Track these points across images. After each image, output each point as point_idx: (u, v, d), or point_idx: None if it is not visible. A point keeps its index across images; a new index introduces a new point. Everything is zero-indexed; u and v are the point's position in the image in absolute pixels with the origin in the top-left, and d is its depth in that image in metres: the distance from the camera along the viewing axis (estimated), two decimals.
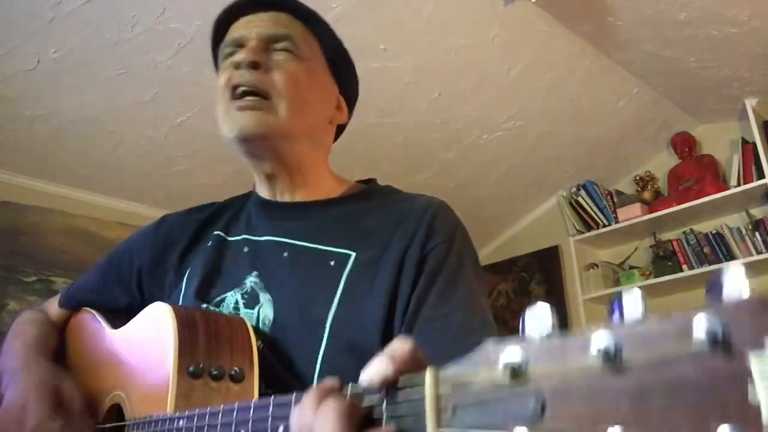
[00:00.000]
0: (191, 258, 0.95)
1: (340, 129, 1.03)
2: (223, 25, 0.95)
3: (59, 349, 1.03)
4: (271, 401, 0.53)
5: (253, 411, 0.55)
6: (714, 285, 0.29)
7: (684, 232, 3.36)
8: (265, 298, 0.85)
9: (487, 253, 4.10)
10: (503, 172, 3.43)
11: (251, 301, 0.85)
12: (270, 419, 0.52)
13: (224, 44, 0.92)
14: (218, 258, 0.92)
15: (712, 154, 3.42)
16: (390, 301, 0.78)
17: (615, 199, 3.62)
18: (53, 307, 1.10)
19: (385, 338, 0.75)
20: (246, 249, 0.91)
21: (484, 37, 2.51)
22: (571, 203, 3.69)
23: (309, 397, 0.45)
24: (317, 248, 0.85)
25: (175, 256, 0.97)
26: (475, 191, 3.55)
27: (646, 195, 3.54)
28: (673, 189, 3.46)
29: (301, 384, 0.75)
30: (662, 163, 3.61)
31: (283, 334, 0.80)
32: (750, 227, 3.15)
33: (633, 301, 0.31)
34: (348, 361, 0.74)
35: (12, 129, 2.38)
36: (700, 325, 0.28)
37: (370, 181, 1.00)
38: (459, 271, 0.81)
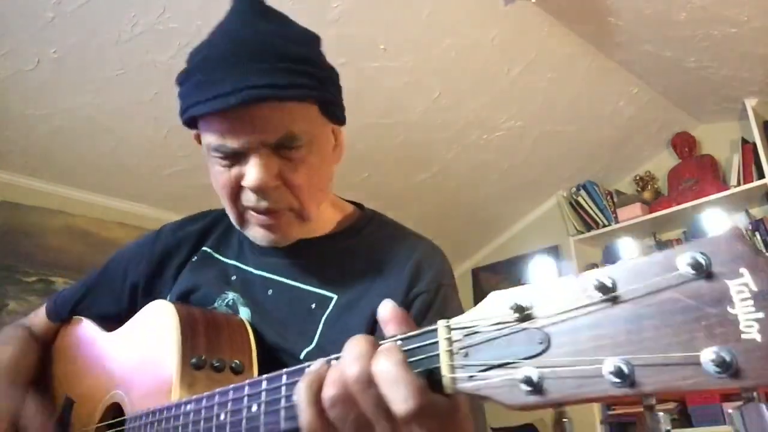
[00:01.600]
0: (183, 272, 0.98)
1: None
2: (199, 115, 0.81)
3: (42, 362, 1.04)
4: (284, 373, 0.54)
5: (266, 383, 0.56)
6: (695, 226, 0.32)
7: (684, 232, 3.36)
8: (244, 312, 0.87)
9: (487, 253, 4.10)
10: (503, 172, 3.43)
11: (234, 311, 0.88)
12: (283, 388, 0.53)
13: (216, 147, 0.80)
14: (201, 272, 0.95)
15: (712, 154, 3.42)
16: None
17: (615, 199, 3.62)
18: (39, 318, 1.11)
19: None
20: (234, 277, 0.93)
21: (484, 37, 2.51)
22: (571, 203, 3.69)
23: (363, 346, 0.46)
24: (301, 288, 0.87)
25: (172, 270, 0.99)
26: (475, 191, 3.55)
27: (646, 195, 3.54)
28: (673, 189, 3.46)
29: None
30: (662, 163, 3.61)
31: (264, 346, 0.82)
32: (750, 227, 3.15)
33: (625, 245, 0.35)
34: None
35: (12, 129, 2.38)
36: (685, 257, 0.32)
37: (360, 206, 1.00)
38: (444, 313, 0.81)
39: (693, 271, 0.31)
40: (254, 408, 0.57)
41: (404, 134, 2.93)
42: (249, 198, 0.81)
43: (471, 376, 0.40)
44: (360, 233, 0.93)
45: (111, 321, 1.00)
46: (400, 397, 0.41)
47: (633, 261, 0.34)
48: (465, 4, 2.35)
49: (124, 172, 2.75)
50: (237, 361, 0.76)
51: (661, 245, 3.44)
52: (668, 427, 0.35)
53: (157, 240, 1.03)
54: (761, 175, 3.04)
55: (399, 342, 0.45)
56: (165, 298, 0.94)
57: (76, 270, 2.70)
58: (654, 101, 3.18)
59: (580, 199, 3.64)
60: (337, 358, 0.48)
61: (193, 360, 0.74)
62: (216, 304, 0.90)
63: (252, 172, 0.77)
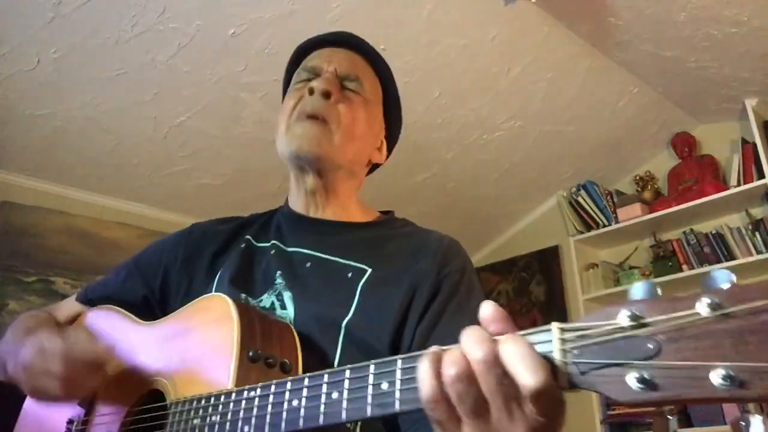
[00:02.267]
0: (222, 260, 1.01)
1: (374, 167, 1.13)
2: (302, 51, 1.07)
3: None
4: (371, 363, 0.57)
5: (350, 372, 0.58)
6: None
7: (684, 232, 3.36)
8: (287, 296, 0.91)
9: (487, 253, 4.11)
10: (503, 172, 3.43)
11: (282, 303, 0.91)
12: (371, 377, 0.56)
13: (301, 68, 1.03)
14: (249, 261, 0.99)
15: (712, 154, 3.42)
16: (402, 315, 0.85)
17: (615, 199, 3.62)
18: (61, 308, 1.11)
19: (394, 343, 0.83)
20: (273, 252, 0.98)
21: (484, 37, 2.51)
22: (571, 203, 3.69)
23: (483, 332, 0.49)
24: (338, 261, 0.94)
25: (207, 259, 1.02)
26: (475, 191, 3.55)
27: (646, 195, 3.54)
28: (673, 189, 3.46)
29: None
30: (662, 163, 3.61)
31: (305, 331, 0.85)
32: (750, 227, 3.15)
33: (724, 275, 0.41)
34: (361, 360, 0.78)
35: (12, 129, 2.39)
36: None
37: (389, 212, 1.10)
38: (471, 295, 0.89)
39: None
40: (335, 395, 0.58)
41: (404, 134, 2.93)
42: (306, 101, 0.96)
43: (583, 372, 0.44)
44: (391, 226, 1.04)
45: (138, 309, 1.00)
46: (529, 370, 0.45)
47: (738, 285, 0.40)
48: (465, 4, 2.35)
49: (124, 172, 2.75)
50: (286, 360, 0.79)
51: (661, 245, 3.44)
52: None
53: (193, 230, 1.08)
54: (761, 175, 3.04)
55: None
56: (203, 284, 0.97)
57: (76, 270, 2.70)
58: (654, 101, 3.18)
59: (580, 199, 3.65)
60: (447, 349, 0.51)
61: (251, 353, 0.76)
62: (264, 296, 0.92)
63: (318, 80, 0.97)
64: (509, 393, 0.47)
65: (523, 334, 0.49)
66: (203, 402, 0.74)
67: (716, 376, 0.38)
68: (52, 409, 0.98)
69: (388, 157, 1.16)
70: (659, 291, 0.44)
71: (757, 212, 3.24)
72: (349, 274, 0.90)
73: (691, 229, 3.34)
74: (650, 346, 0.41)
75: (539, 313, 3.76)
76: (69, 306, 1.11)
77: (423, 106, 2.79)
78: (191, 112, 2.46)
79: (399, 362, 0.54)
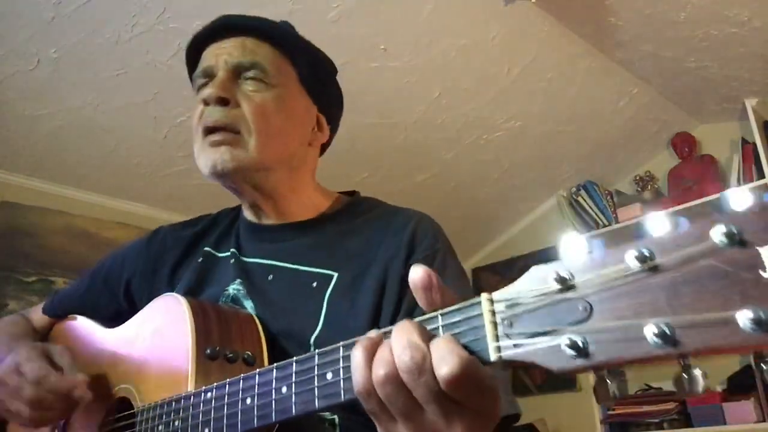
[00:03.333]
0: (182, 271, 0.98)
1: (325, 144, 1.02)
2: (193, 52, 0.94)
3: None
4: (316, 354, 0.55)
5: (296, 365, 0.57)
6: (724, 199, 0.35)
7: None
8: (248, 305, 0.87)
9: (487, 253, 4.10)
10: (503, 172, 3.43)
11: (236, 305, 0.88)
12: (316, 368, 0.55)
13: (196, 74, 0.92)
14: (206, 272, 0.95)
15: (712, 154, 3.42)
16: (373, 318, 0.80)
17: (615, 199, 3.62)
18: (36, 314, 1.11)
19: None
20: (232, 261, 0.93)
21: (484, 37, 2.51)
22: (571, 203, 3.69)
23: (412, 334, 0.46)
24: (301, 269, 0.87)
25: (168, 268, 0.99)
26: (475, 191, 3.55)
27: (646, 195, 3.54)
28: (673, 189, 3.46)
29: None
30: (662, 163, 3.61)
31: (272, 339, 0.82)
32: None
33: (660, 219, 0.38)
34: None
35: (12, 129, 2.38)
36: (719, 228, 0.34)
37: (353, 194, 1.01)
38: (443, 274, 0.83)
39: (726, 240, 0.34)
40: (284, 390, 0.57)
41: (404, 134, 2.93)
42: (204, 114, 0.86)
43: (516, 344, 0.42)
44: (353, 212, 0.95)
45: (110, 320, 1.00)
46: (455, 376, 0.43)
47: (669, 233, 0.37)
48: (465, 4, 2.35)
49: (124, 172, 2.75)
50: (249, 353, 0.77)
51: None
52: (706, 386, 0.37)
53: (153, 240, 1.04)
54: (761, 175, 3.04)
55: (440, 316, 0.47)
56: (164, 292, 0.93)
57: (76, 270, 2.70)
58: (654, 101, 3.18)
59: (580, 199, 3.64)
60: (387, 332, 0.49)
61: (208, 350, 0.75)
62: (221, 302, 0.90)
63: (210, 84, 0.86)
64: (440, 397, 0.45)
65: (449, 311, 0.47)
66: (165, 407, 0.74)
67: (650, 334, 0.35)
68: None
69: (336, 129, 1.05)
70: (587, 245, 0.41)
71: None
72: (314, 284, 0.85)
73: None
74: (581, 308, 0.39)
75: None
76: (40, 316, 1.10)
77: (423, 106, 2.78)
78: (191, 112, 2.45)
79: (341, 350, 0.53)
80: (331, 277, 0.85)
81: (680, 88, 3.09)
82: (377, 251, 0.85)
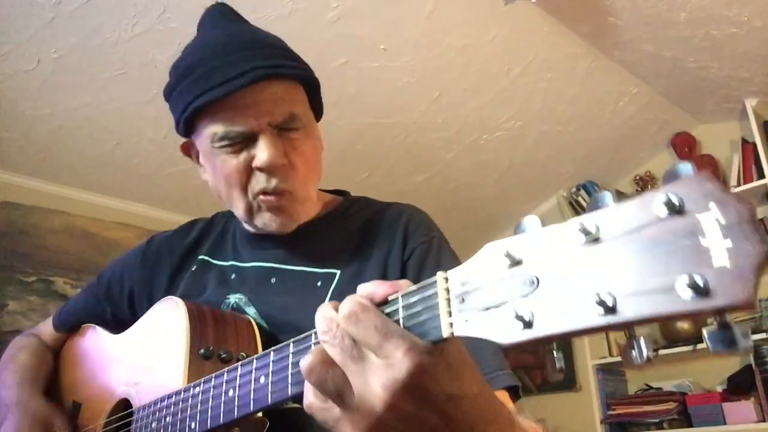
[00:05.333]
0: (179, 280, 0.99)
1: None
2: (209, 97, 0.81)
3: (53, 371, 1.07)
4: (291, 342, 0.57)
5: (273, 354, 0.58)
6: (668, 174, 0.36)
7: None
8: (251, 311, 0.88)
9: None
10: (503, 172, 3.43)
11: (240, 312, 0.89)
12: (290, 356, 0.56)
13: (224, 135, 0.81)
14: (201, 279, 0.96)
15: (712, 154, 3.42)
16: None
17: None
18: (47, 328, 1.14)
19: None
20: (233, 275, 0.94)
21: (484, 37, 2.51)
22: (571, 203, 3.69)
23: (376, 321, 0.47)
24: (303, 270, 0.89)
25: (165, 278, 1.00)
26: (475, 191, 3.55)
27: None
28: None
29: None
30: (662, 163, 3.61)
31: (275, 340, 0.83)
32: None
33: (604, 197, 0.39)
34: None
35: (12, 129, 2.38)
36: (660, 197, 0.35)
37: (343, 193, 1.03)
38: (439, 261, 0.85)
39: (667, 210, 0.35)
40: (262, 379, 0.59)
41: (404, 134, 2.93)
42: (260, 180, 0.83)
43: (467, 320, 0.43)
44: (347, 212, 0.97)
45: (117, 328, 1.02)
46: (343, 307, 0.46)
47: (615, 206, 0.38)
48: (465, 4, 2.35)
49: (124, 172, 2.75)
50: (243, 354, 0.78)
51: None
52: (651, 354, 0.37)
53: (148, 250, 1.05)
54: (761, 175, 3.04)
55: (400, 298, 0.48)
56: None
57: (76, 270, 2.70)
58: (654, 101, 3.18)
59: (580, 199, 3.65)
60: None
61: (202, 350, 0.76)
62: (222, 308, 0.90)
63: (264, 152, 0.80)
64: (350, 347, 0.47)
65: (408, 293, 0.48)
66: (158, 405, 0.76)
67: (593, 305, 0.36)
68: None
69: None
70: (539, 223, 0.41)
71: (758, 212, 3.23)
72: (319, 283, 0.86)
73: None
74: (528, 282, 0.40)
75: None
76: (51, 332, 1.13)
77: (423, 106, 2.79)
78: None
79: (313, 337, 0.54)
80: (334, 275, 0.86)
81: (680, 88, 3.09)
82: (374, 247, 0.88)
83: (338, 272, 0.87)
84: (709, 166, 3.36)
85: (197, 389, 0.69)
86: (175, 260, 1.01)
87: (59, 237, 2.72)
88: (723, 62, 2.78)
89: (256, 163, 0.81)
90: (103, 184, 2.80)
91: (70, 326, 1.11)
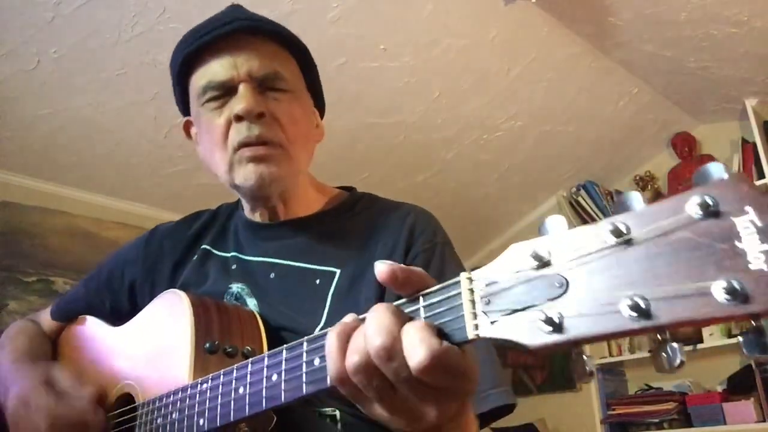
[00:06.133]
0: (181, 271, 0.98)
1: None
2: (192, 55, 0.86)
3: (50, 356, 1.05)
4: (304, 340, 0.56)
5: (286, 352, 0.58)
6: (700, 175, 0.36)
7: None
8: (251, 303, 0.88)
9: (487, 253, 4.10)
10: (503, 172, 3.43)
11: (241, 304, 0.88)
12: (304, 354, 0.55)
13: (207, 86, 0.84)
14: (203, 269, 0.95)
15: (712, 154, 3.42)
16: None
17: (615, 199, 3.61)
18: (45, 318, 1.12)
19: None
20: (234, 266, 0.93)
21: (484, 37, 2.51)
22: (571, 203, 3.69)
23: (385, 318, 0.46)
24: (303, 267, 0.88)
25: (168, 269, 0.99)
26: (475, 191, 3.55)
27: (646, 195, 3.53)
28: (673, 189, 3.46)
29: None
30: (662, 163, 3.61)
31: (275, 336, 0.82)
32: None
33: (634, 197, 0.38)
34: None
35: (12, 129, 2.38)
36: (694, 200, 0.34)
37: (350, 189, 1.01)
38: (443, 273, 0.83)
39: (702, 212, 0.34)
40: (274, 377, 0.58)
41: (404, 134, 2.93)
42: (240, 130, 0.82)
43: (493, 322, 0.42)
44: (352, 210, 0.95)
45: (115, 320, 1.01)
46: (422, 359, 0.43)
47: (645, 207, 0.37)
48: (465, 4, 2.35)
49: (124, 172, 2.75)
50: (249, 348, 0.77)
51: None
52: (683, 358, 0.36)
53: (151, 240, 1.04)
54: (761, 175, 3.04)
55: (421, 297, 0.47)
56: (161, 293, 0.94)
57: (76, 270, 2.70)
58: (654, 101, 3.18)
59: (580, 199, 3.65)
60: (364, 319, 0.49)
61: (207, 344, 0.75)
62: (224, 300, 0.90)
63: (241, 99, 0.82)
64: (411, 381, 0.45)
65: (429, 292, 0.47)
66: (164, 400, 0.75)
67: (625, 307, 0.35)
68: None
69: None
70: (565, 223, 0.40)
71: None
72: (318, 281, 0.85)
73: None
74: (557, 284, 0.39)
75: None
76: (49, 321, 1.11)
77: (423, 106, 2.79)
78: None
79: (327, 336, 0.53)
80: (334, 274, 0.85)
81: (680, 88, 3.09)
82: (377, 246, 0.86)
83: (338, 271, 0.85)
84: None
85: (204, 386, 0.68)
86: (178, 251, 1.00)
87: (59, 237, 2.72)
88: (723, 62, 2.78)
89: (234, 110, 0.82)
90: (103, 184, 2.80)
91: (67, 316, 1.09)
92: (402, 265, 0.48)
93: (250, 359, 0.62)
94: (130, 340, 0.92)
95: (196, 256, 0.98)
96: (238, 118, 0.82)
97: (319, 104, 0.98)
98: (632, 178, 3.67)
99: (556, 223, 0.41)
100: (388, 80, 2.56)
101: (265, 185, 0.85)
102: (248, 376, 0.61)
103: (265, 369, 0.59)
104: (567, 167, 3.56)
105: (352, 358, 0.47)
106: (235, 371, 0.64)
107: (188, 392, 0.70)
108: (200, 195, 2.94)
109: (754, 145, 3.11)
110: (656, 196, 3.52)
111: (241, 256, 0.94)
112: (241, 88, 0.83)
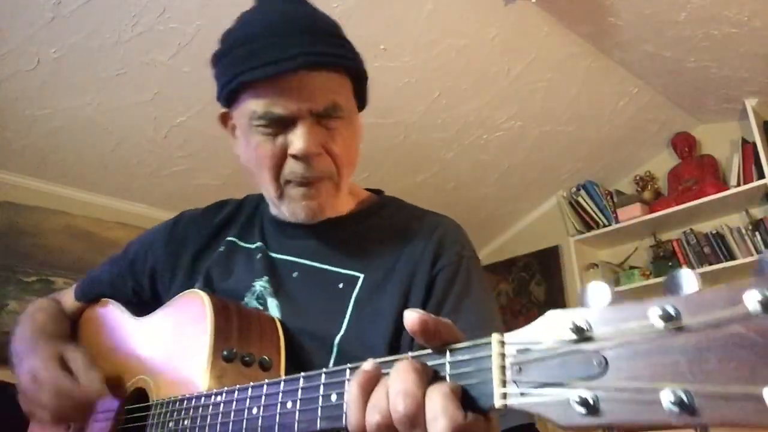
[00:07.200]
0: (204, 260, 0.97)
1: None
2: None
3: (68, 336, 1.05)
4: (323, 372, 0.54)
5: (303, 381, 0.56)
6: (764, 263, 0.32)
7: (684, 232, 3.36)
8: (272, 303, 0.87)
9: (487, 253, 4.10)
10: (503, 172, 3.43)
11: (264, 307, 0.87)
12: (322, 387, 0.54)
13: (262, 115, 0.80)
14: (229, 262, 0.94)
15: (712, 154, 3.42)
16: (397, 323, 0.79)
17: (615, 199, 3.62)
18: (68, 297, 1.13)
19: None
20: (259, 256, 0.93)
21: (484, 37, 2.51)
22: (571, 203, 3.69)
23: (409, 380, 0.45)
24: (327, 269, 0.87)
25: (189, 257, 0.99)
26: (475, 191, 3.55)
27: (646, 195, 3.54)
28: (673, 189, 3.46)
29: None
30: (662, 163, 3.61)
31: (294, 340, 0.82)
32: (750, 227, 3.15)
33: (686, 277, 0.35)
34: None
35: (12, 129, 2.38)
36: (754, 293, 0.31)
37: (379, 192, 1.01)
38: (467, 292, 0.82)
39: (760, 308, 0.31)
40: (289, 405, 0.57)
41: (404, 134, 2.93)
42: (293, 168, 0.81)
43: (523, 393, 0.40)
44: (379, 213, 0.94)
45: (135, 306, 1.01)
46: (438, 425, 0.42)
47: (698, 291, 0.34)
48: (465, 4, 2.35)
49: (124, 172, 2.75)
50: (266, 357, 0.77)
51: (661, 245, 3.43)
52: None
53: (177, 225, 1.03)
54: (761, 175, 3.04)
55: (448, 352, 0.45)
56: (184, 284, 0.94)
57: (76, 270, 2.70)
58: (654, 101, 3.18)
59: (580, 199, 3.65)
60: (386, 362, 0.48)
61: (225, 352, 0.75)
62: (246, 299, 0.89)
63: (300, 140, 0.79)
64: None
65: (461, 347, 0.45)
66: (177, 404, 0.74)
67: (667, 399, 0.33)
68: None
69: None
70: (610, 295, 0.38)
71: (757, 212, 3.24)
72: (341, 285, 0.85)
73: (691, 229, 3.34)
74: (596, 363, 0.36)
75: (539, 313, 3.73)
76: (71, 300, 1.12)
77: (423, 106, 2.79)
78: (191, 112, 2.46)
79: (347, 372, 0.52)
80: (357, 278, 0.85)
81: (680, 88, 3.09)
82: (403, 255, 0.85)
83: (362, 276, 0.85)
84: (709, 166, 3.37)
85: (219, 398, 0.67)
86: (201, 239, 0.99)
87: (59, 237, 2.72)
88: (723, 62, 2.78)
89: (292, 150, 0.80)
90: (103, 184, 2.80)
91: (90, 298, 1.09)
92: (432, 315, 0.47)
93: (266, 381, 0.61)
94: (150, 335, 0.92)
95: (222, 248, 0.97)
96: (295, 156, 0.81)
97: (363, 102, 0.96)
98: (632, 178, 3.67)
99: (600, 292, 0.38)
100: (388, 80, 2.57)
101: (313, 218, 0.85)
102: (263, 398, 0.61)
103: (280, 394, 0.58)
104: (567, 167, 3.56)
105: (374, 417, 0.46)
106: (250, 390, 0.63)
107: (202, 402, 0.70)
108: (200, 195, 2.93)
109: (754, 145, 3.11)
110: (656, 196, 3.52)
111: (266, 249, 0.93)
112: (301, 126, 0.80)
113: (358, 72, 0.88)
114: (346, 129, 0.85)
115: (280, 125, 0.81)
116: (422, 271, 0.83)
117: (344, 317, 0.82)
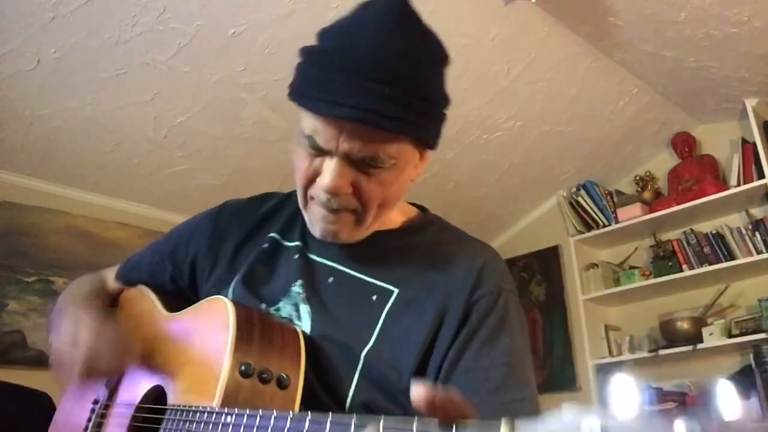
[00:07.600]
0: (245, 255, 0.96)
1: None
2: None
3: (108, 309, 1.08)
4: (328, 420, 0.54)
5: (308, 424, 0.56)
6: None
7: (684, 232, 3.36)
8: (305, 309, 0.86)
9: None
10: (503, 172, 3.43)
11: (298, 315, 0.87)
12: None
13: (308, 136, 0.79)
14: (271, 262, 0.94)
15: (712, 154, 3.42)
16: (427, 347, 0.79)
17: (615, 199, 3.62)
18: (111, 276, 1.15)
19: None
20: (296, 256, 0.92)
21: (484, 37, 2.51)
22: (571, 203, 3.69)
23: None
24: (362, 279, 0.86)
25: (230, 248, 0.98)
26: (475, 191, 3.55)
27: (646, 195, 3.54)
28: (673, 189, 3.46)
29: (335, 404, 0.78)
30: (662, 163, 3.61)
31: (320, 350, 0.82)
32: (750, 227, 3.15)
33: (719, 397, 0.34)
34: (377, 396, 0.78)
35: (12, 129, 2.39)
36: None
37: (423, 209, 1.00)
38: (502, 327, 0.81)
39: None
40: None
41: None
42: (319, 194, 0.81)
43: None
44: (423, 232, 0.93)
45: (173, 295, 1.02)
46: None
47: (728, 419, 0.34)
48: (465, 4, 2.35)
49: (124, 172, 2.75)
50: (284, 375, 0.76)
51: (661, 245, 3.44)
52: None
53: (221, 215, 1.02)
54: (761, 175, 3.04)
55: (455, 429, 0.44)
56: (224, 276, 0.94)
57: (76, 270, 2.70)
58: (654, 101, 3.18)
59: (580, 199, 3.65)
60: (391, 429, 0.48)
61: (243, 367, 0.74)
62: (281, 304, 0.88)
63: (328, 176, 0.78)
64: None
65: (470, 428, 0.44)
66: (189, 415, 0.74)
67: None
68: (82, 391, 1.02)
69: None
70: (637, 397, 0.36)
71: (757, 212, 3.24)
72: (374, 297, 0.84)
73: (691, 229, 3.34)
74: None
75: (539, 313, 3.76)
76: (113, 280, 1.14)
77: None
78: (191, 112, 2.46)
79: (381, 424, 0.50)
80: (391, 292, 0.84)
81: (680, 88, 3.09)
82: (440, 277, 0.84)
83: (396, 291, 0.84)
84: (709, 166, 3.37)
85: (229, 419, 0.67)
86: (244, 231, 0.98)
87: (59, 237, 2.72)
88: (723, 62, 2.78)
89: (319, 179, 0.80)
90: (103, 184, 2.80)
91: (129, 282, 1.11)
92: (440, 392, 0.46)
93: (275, 414, 0.61)
94: (175, 335, 0.92)
95: (266, 245, 0.96)
96: (324, 189, 0.80)
97: (435, 140, 0.89)
98: (632, 178, 3.67)
99: (624, 393, 0.37)
100: None
101: (326, 239, 0.85)
102: (269, 429, 0.61)
103: (286, 430, 0.59)
104: (567, 167, 3.57)
105: None
106: (259, 418, 0.63)
107: (212, 419, 0.70)
108: (200, 195, 2.94)
109: (754, 145, 3.11)
110: (656, 196, 3.52)
111: (305, 250, 0.93)
112: (332, 162, 0.78)
113: (422, 137, 0.84)
114: (389, 172, 0.81)
115: (319, 151, 0.80)
116: (459, 298, 0.81)
117: (374, 330, 0.81)
